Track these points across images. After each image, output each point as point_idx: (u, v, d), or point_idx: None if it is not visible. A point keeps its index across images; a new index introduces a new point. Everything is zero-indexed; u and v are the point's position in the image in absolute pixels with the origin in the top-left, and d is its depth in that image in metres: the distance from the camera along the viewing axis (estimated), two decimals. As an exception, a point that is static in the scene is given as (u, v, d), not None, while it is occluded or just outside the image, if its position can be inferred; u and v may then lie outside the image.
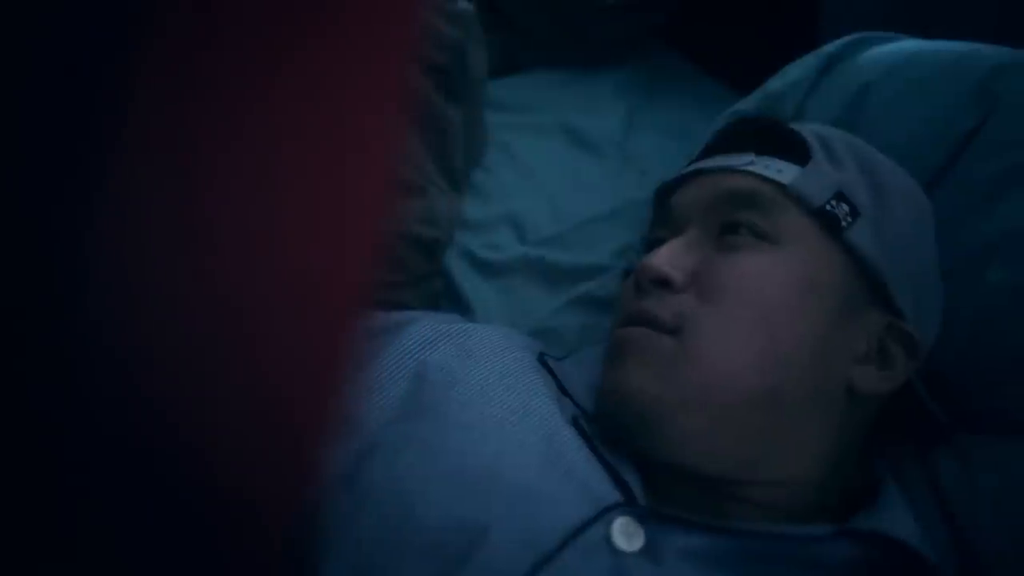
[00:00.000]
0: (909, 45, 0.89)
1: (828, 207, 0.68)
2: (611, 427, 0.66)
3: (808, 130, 0.73)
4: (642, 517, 0.60)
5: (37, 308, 0.27)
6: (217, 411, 0.30)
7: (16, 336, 0.27)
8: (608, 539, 0.59)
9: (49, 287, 0.27)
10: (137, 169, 0.27)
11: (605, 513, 0.60)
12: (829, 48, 0.91)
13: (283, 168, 0.29)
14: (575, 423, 0.67)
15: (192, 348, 0.29)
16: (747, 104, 0.92)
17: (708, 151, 0.77)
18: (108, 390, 0.29)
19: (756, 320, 0.65)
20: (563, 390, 0.71)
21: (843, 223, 0.68)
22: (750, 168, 0.70)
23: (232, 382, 0.30)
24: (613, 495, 0.62)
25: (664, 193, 0.77)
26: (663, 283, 0.66)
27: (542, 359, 0.74)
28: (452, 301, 0.90)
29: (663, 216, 0.74)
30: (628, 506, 0.61)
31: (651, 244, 0.72)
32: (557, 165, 1.01)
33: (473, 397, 0.66)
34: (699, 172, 0.73)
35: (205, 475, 0.31)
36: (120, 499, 0.30)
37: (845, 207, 0.69)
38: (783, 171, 0.70)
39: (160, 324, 0.29)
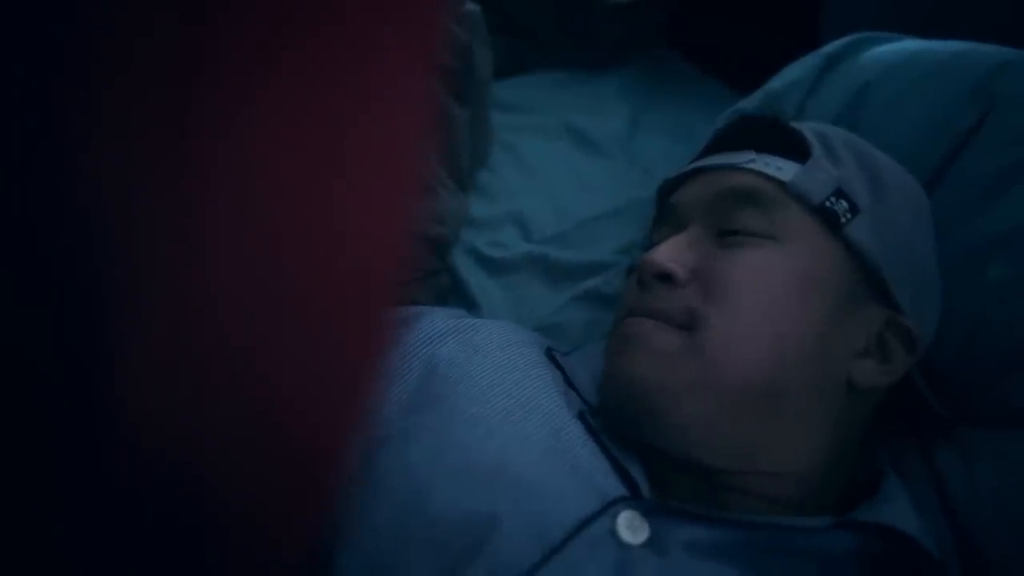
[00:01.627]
0: (909, 45, 0.90)
1: (827, 204, 0.69)
2: (614, 417, 0.67)
3: (808, 128, 0.74)
4: (647, 510, 0.61)
5: (34, 318, 0.26)
6: (235, 428, 0.29)
7: (12, 349, 0.26)
8: (614, 532, 0.60)
9: (48, 293, 0.26)
10: (141, 168, 0.26)
11: (610, 506, 0.61)
12: (830, 48, 0.92)
13: (311, 170, 0.28)
14: (581, 417, 0.68)
15: (205, 362, 0.28)
16: (749, 103, 0.93)
17: (709, 150, 0.77)
18: (118, 406, 0.27)
19: (758, 316, 0.65)
20: (570, 384, 0.71)
21: (842, 219, 0.69)
22: (751, 166, 0.71)
23: (251, 396, 0.29)
24: (618, 489, 0.62)
25: (666, 191, 0.77)
26: (665, 278, 0.67)
27: (549, 353, 0.74)
28: (459, 297, 0.91)
29: (665, 214, 0.75)
30: (633, 499, 0.62)
31: (653, 241, 0.73)
32: (561, 165, 1.02)
33: (480, 391, 0.67)
34: (701, 170, 0.74)
35: (220, 495, 0.30)
36: (129, 521, 0.29)
37: (844, 204, 0.69)
38: (783, 168, 0.70)
39: (172, 336, 0.28)
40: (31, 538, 0.28)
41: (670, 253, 0.68)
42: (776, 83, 0.92)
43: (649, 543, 0.60)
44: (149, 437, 0.28)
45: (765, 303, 0.66)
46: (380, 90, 0.29)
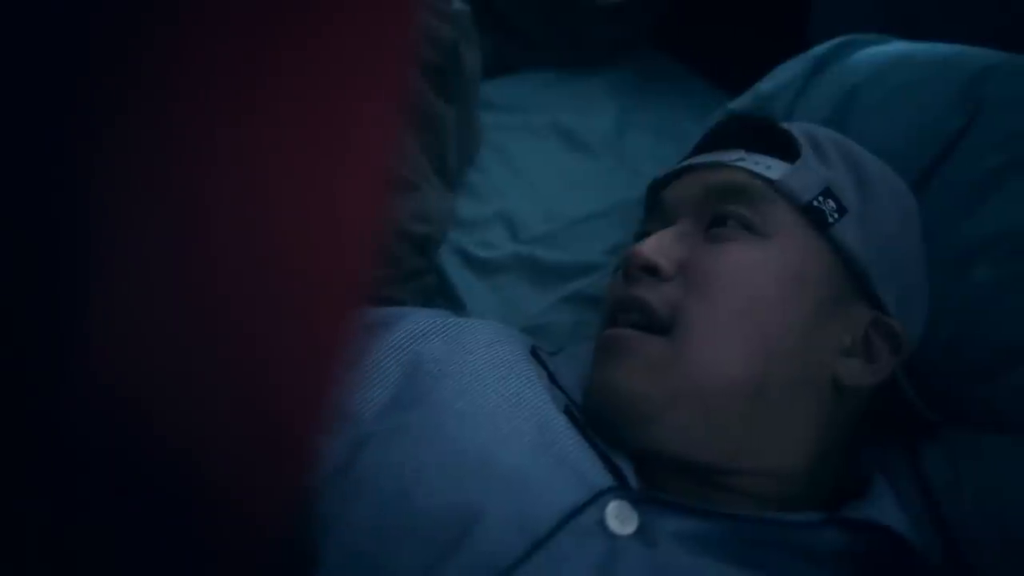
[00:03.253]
0: (897, 47, 0.90)
1: (815, 203, 0.69)
2: (600, 425, 0.67)
3: (797, 128, 0.74)
4: (636, 501, 0.61)
5: (29, 307, 0.27)
6: (212, 410, 0.30)
7: (7, 335, 0.27)
8: (602, 522, 0.59)
9: (41, 286, 0.27)
10: (132, 167, 0.26)
11: (599, 497, 0.60)
12: (818, 50, 0.93)
13: (279, 165, 0.28)
14: (567, 412, 0.68)
15: (185, 347, 0.29)
16: (738, 105, 0.93)
17: (700, 149, 0.78)
18: (101, 390, 0.28)
19: (743, 310, 0.66)
20: (555, 383, 0.71)
21: (830, 219, 0.69)
22: (740, 164, 0.71)
23: (227, 380, 0.30)
24: (606, 480, 0.62)
25: (656, 188, 0.78)
26: (651, 270, 0.67)
27: (534, 352, 0.74)
28: (446, 298, 0.91)
29: (654, 210, 0.75)
30: (622, 490, 0.61)
31: (642, 237, 0.73)
32: (550, 165, 1.02)
33: (466, 386, 0.66)
34: (690, 168, 0.75)
35: (198, 475, 0.30)
36: (113, 499, 0.30)
37: (832, 203, 0.70)
38: (772, 167, 0.71)
39: (154, 323, 0.28)
40: (18, 515, 0.29)
41: (657, 246, 0.68)
42: (765, 85, 0.92)
43: (638, 534, 0.60)
44: (129, 419, 0.29)
45: (749, 298, 0.66)
46: (350, 89, 0.29)
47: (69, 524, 0.29)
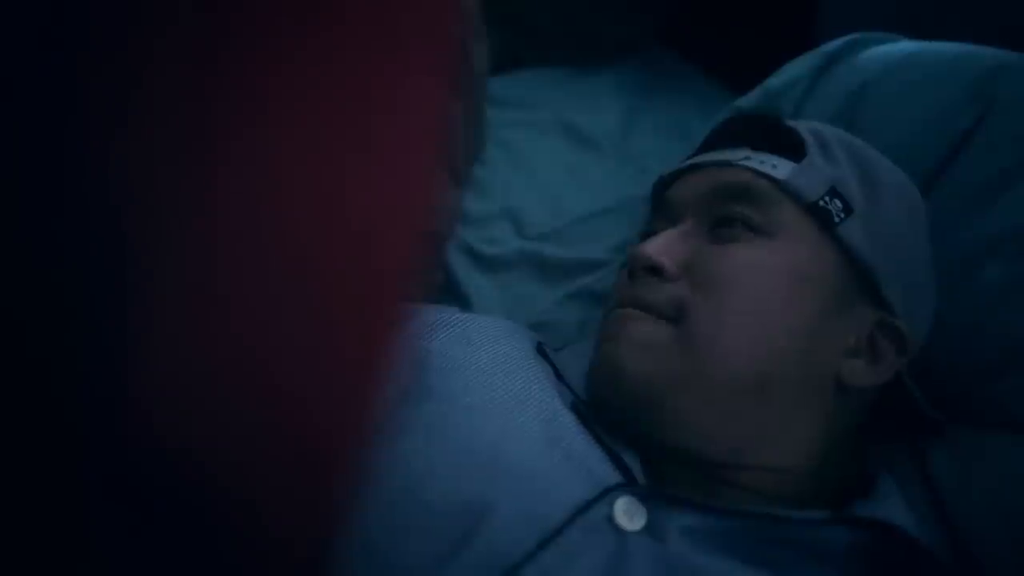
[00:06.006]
0: (907, 46, 0.90)
1: (821, 203, 0.69)
2: (604, 407, 0.67)
3: (804, 127, 0.74)
4: (644, 497, 0.61)
5: (49, 318, 0.26)
6: (243, 426, 0.29)
7: (28, 347, 0.26)
8: (611, 518, 0.60)
9: (58, 298, 0.26)
10: (147, 168, 0.26)
11: (607, 493, 0.61)
12: (827, 48, 0.92)
13: (326, 169, 0.28)
14: (573, 408, 0.68)
15: (222, 357, 0.28)
16: (746, 102, 0.93)
17: (705, 146, 0.77)
18: (125, 409, 0.27)
19: (748, 311, 0.66)
20: (560, 379, 0.71)
21: (836, 219, 0.69)
22: (746, 163, 0.71)
23: (257, 394, 0.29)
24: (614, 476, 0.62)
25: (661, 186, 0.77)
26: (654, 271, 0.67)
27: (540, 348, 0.74)
28: (452, 295, 0.91)
29: (660, 208, 0.75)
30: (630, 486, 0.62)
31: (647, 235, 0.73)
32: (556, 161, 1.02)
33: (473, 381, 0.67)
34: (696, 166, 0.74)
35: (231, 493, 0.30)
36: (143, 520, 0.29)
37: (838, 203, 0.69)
38: (778, 166, 0.70)
39: (189, 333, 0.27)
40: (45, 530, 0.28)
41: (661, 246, 0.68)
42: (774, 81, 0.92)
43: (646, 530, 0.60)
44: (161, 434, 0.28)
45: (754, 298, 0.66)
46: (396, 92, 0.29)
47: (101, 545, 0.29)
